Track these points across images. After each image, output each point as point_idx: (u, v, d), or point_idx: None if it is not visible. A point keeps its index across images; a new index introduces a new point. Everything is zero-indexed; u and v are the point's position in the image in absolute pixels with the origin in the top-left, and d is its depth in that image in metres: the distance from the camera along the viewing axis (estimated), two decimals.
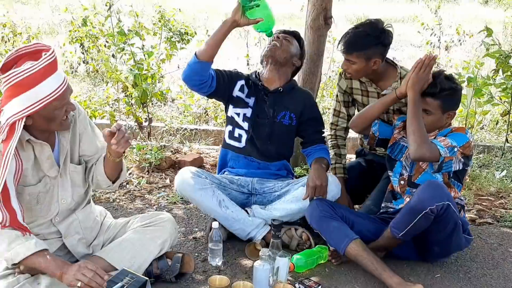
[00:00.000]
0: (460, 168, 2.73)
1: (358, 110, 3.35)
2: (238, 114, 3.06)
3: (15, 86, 1.97)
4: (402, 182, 2.84)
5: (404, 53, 10.94)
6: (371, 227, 2.79)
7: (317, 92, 3.99)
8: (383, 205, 2.95)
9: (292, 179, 3.16)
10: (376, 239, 2.73)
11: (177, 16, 5.79)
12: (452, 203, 2.51)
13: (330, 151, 3.23)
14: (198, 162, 4.16)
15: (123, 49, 3.92)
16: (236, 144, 3.09)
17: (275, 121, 3.04)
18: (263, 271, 2.37)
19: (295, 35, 3.12)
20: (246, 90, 3.08)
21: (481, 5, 18.62)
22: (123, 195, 3.56)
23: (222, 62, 6.91)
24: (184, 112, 5.52)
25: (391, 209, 2.89)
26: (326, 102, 5.76)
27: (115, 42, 3.86)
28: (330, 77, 6.31)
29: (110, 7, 4.10)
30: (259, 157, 3.08)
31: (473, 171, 4.14)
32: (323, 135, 3.16)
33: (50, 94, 2.01)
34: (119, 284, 2.21)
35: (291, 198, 2.93)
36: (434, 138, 2.72)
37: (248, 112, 3.05)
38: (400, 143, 2.90)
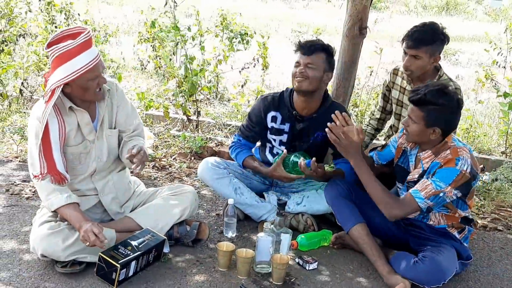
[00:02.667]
0: (459, 196, 2.64)
1: (391, 106, 3.67)
2: (274, 140, 3.27)
3: (57, 59, 2.44)
4: None
5: (470, 70, 10.90)
6: (379, 222, 2.92)
7: (350, 96, 4.27)
8: None
9: None
10: (381, 231, 2.94)
11: (237, 20, 6.25)
12: (447, 279, 2.61)
13: None
14: None
15: (177, 44, 4.37)
16: (272, 160, 3.30)
17: (309, 140, 3.21)
18: (265, 241, 2.71)
19: (322, 48, 3.04)
20: (279, 118, 3.19)
21: None
22: (164, 176, 4.01)
23: (276, 67, 7.27)
24: (236, 111, 5.92)
25: None
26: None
27: (169, 38, 4.31)
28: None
29: (166, 3, 4.57)
30: None
31: (501, 184, 4.26)
32: None
33: (84, 66, 2.45)
34: (141, 239, 2.65)
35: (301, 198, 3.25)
36: (417, 179, 2.71)
37: (284, 137, 3.22)
38: (407, 151, 2.91)
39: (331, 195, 2.96)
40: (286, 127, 3.20)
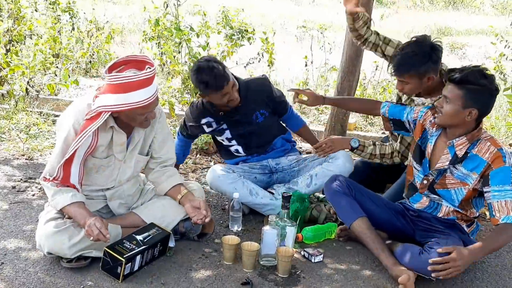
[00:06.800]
0: None
1: None
2: (223, 140, 3.41)
3: (115, 86, 2.43)
4: (425, 181, 2.82)
5: (478, 63, 10.81)
6: (382, 216, 2.92)
7: (355, 90, 4.26)
8: (404, 199, 3.04)
9: (296, 149, 3.56)
10: (384, 225, 2.93)
11: (241, 16, 6.24)
12: None
13: None
14: None
15: (180, 43, 4.37)
16: (240, 155, 3.44)
17: (252, 124, 3.32)
18: (270, 234, 2.71)
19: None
20: (213, 120, 3.31)
21: None
22: None
23: (282, 64, 7.24)
24: None
25: (407, 205, 2.98)
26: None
27: (172, 38, 4.32)
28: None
29: (167, 6, 4.59)
30: (260, 151, 3.43)
31: None
32: (286, 102, 3.48)
33: (138, 102, 2.45)
34: (146, 234, 2.66)
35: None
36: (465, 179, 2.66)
37: (228, 134, 3.36)
38: (428, 131, 2.83)
39: (330, 192, 2.94)
40: (224, 125, 3.33)
